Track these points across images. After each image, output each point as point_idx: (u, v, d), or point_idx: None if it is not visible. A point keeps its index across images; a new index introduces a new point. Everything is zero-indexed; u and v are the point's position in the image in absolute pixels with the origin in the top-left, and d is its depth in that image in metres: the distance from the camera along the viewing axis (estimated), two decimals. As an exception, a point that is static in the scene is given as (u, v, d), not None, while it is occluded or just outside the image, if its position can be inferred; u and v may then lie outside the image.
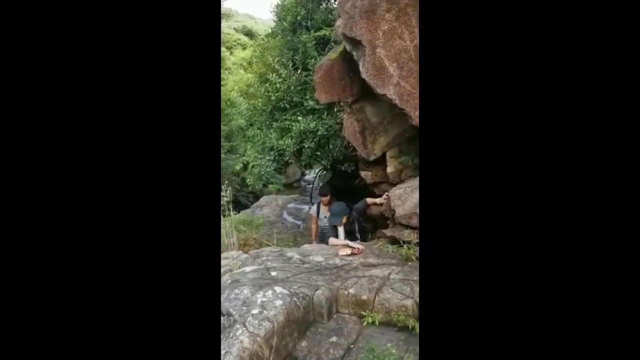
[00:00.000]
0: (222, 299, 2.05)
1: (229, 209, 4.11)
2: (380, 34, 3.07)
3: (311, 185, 7.36)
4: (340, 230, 3.47)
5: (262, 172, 5.39)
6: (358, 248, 3.00)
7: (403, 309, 2.09)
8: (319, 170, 6.58)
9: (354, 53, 3.33)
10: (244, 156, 6.90)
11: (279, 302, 1.96)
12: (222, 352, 1.67)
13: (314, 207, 4.13)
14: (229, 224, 4.17)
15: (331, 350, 1.94)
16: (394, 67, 3.06)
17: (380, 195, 3.62)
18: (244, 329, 1.77)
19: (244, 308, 1.92)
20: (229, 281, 2.32)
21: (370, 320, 2.10)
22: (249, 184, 6.09)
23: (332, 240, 3.37)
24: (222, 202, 3.94)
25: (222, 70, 11.93)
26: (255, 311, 1.88)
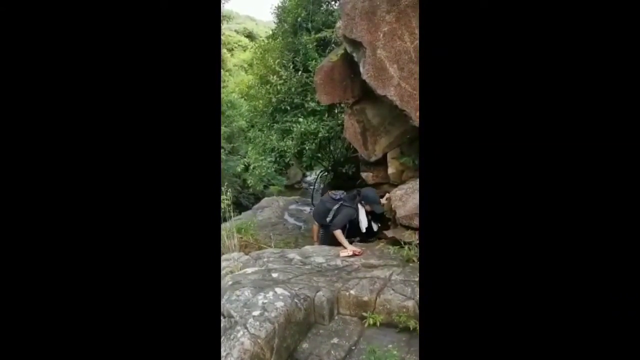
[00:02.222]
0: (223, 301, 2.05)
1: (229, 211, 4.11)
2: (381, 35, 3.07)
3: (312, 187, 7.35)
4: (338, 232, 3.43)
5: (263, 174, 5.38)
6: (359, 250, 3.00)
7: (404, 310, 2.09)
8: (320, 172, 6.58)
9: (355, 54, 3.33)
10: (245, 158, 6.91)
11: (280, 304, 1.96)
12: (223, 353, 1.67)
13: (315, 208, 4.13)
14: (230, 226, 4.17)
15: (332, 352, 1.94)
16: (395, 69, 3.06)
17: (382, 197, 3.62)
18: (245, 330, 1.77)
19: (245, 310, 1.92)
20: (230, 283, 2.32)
21: (371, 321, 2.10)
22: (250, 185, 6.09)
23: (338, 233, 3.31)
24: (223, 204, 3.94)
25: (223, 72, 11.96)
26: (256, 313, 1.88)
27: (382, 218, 3.56)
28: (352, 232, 3.49)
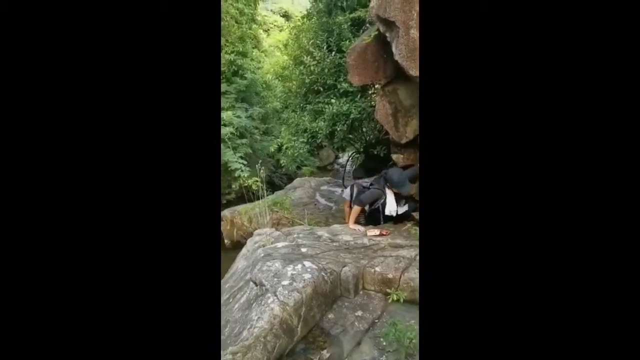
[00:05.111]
0: (255, 271, 2.20)
1: (263, 190, 4.28)
2: (415, 14, 3.00)
3: (343, 168, 7.40)
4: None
5: (296, 154, 5.49)
6: (387, 231, 3.06)
7: (428, 288, 2.14)
8: (352, 154, 6.60)
9: (388, 34, 3.29)
10: (278, 138, 7.04)
11: (307, 276, 2.08)
12: (255, 317, 1.82)
13: (347, 190, 4.19)
14: (263, 204, 4.34)
15: (356, 323, 2.05)
16: (429, 48, 3.00)
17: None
18: (275, 297, 1.91)
19: (275, 279, 2.06)
20: (262, 255, 2.47)
21: (395, 297, 2.18)
22: (283, 165, 6.24)
23: (355, 208, 3.35)
24: (256, 184, 4.09)
25: (258, 53, 12.04)
26: (285, 282, 2.02)
27: (413, 200, 3.54)
28: (381, 217, 3.44)
